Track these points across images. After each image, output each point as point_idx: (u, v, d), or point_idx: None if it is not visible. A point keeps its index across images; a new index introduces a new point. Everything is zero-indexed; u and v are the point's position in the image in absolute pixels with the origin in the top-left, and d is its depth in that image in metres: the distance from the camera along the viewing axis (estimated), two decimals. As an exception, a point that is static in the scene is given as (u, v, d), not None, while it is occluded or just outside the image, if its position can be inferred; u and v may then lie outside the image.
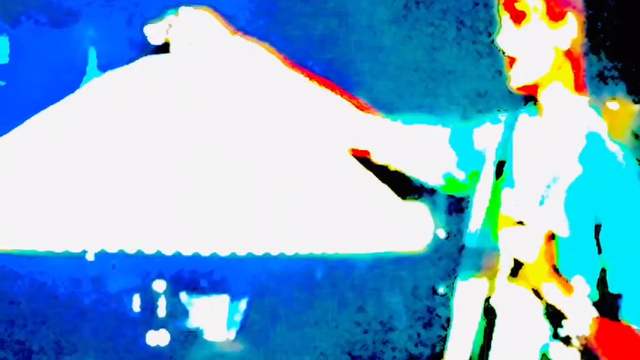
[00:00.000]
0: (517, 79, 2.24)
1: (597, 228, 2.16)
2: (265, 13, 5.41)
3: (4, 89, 5.92)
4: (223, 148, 2.94)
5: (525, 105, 2.32)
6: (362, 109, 2.45)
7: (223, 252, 2.75)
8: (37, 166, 3.06)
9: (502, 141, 2.32)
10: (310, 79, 2.45)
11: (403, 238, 2.74)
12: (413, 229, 2.78)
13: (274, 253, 2.75)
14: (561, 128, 2.25)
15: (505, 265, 2.16)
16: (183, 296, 5.83)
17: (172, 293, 5.77)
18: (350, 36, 5.61)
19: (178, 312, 5.77)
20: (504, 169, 2.27)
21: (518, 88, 2.26)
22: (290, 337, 5.71)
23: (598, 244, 2.16)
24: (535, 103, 2.29)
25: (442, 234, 5.46)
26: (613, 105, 4.95)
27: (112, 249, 2.84)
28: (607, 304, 2.14)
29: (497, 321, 2.18)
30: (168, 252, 2.78)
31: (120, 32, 5.34)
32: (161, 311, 5.69)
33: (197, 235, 2.75)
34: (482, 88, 5.22)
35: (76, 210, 2.88)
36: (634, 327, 2.14)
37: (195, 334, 5.82)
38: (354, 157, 2.51)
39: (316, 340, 5.71)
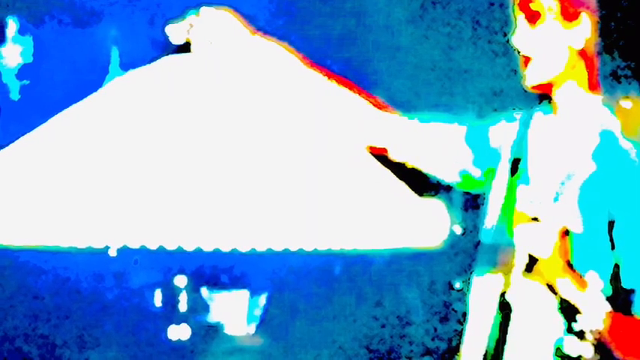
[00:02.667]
0: (532, 78, 2.26)
1: (611, 224, 2.17)
2: (284, 13, 5.42)
3: (28, 88, 5.94)
4: (243, 145, 2.97)
5: (540, 103, 2.33)
6: (380, 108, 2.47)
7: (243, 248, 2.77)
8: (60, 164, 3.09)
9: (517, 139, 2.33)
10: (329, 78, 2.47)
11: (420, 234, 2.76)
12: (430, 226, 2.80)
13: (293, 248, 2.77)
14: (575, 126, 2.26)
15: (520, 261, 2.17)
16: (204, 291, 5.84)
17: (193, 288, 5.78)
18: (368, 36, 5.61)
19: (199, 307, 5.78)
20: (519, 166, 2.28)
21: (533, 87, 2.27)
22: (309, 331, 5.72)
23: (611, 240, 2.17)
24: (549, 102, 2.30)
25: (458, 230, 5.47)
26: (626, 103, 4.95)
27: (134, 245, 2.86)
28: (620, 299, 2.15)
29: (512, 315, 2.19)
30: (189, 248, 2.80)
31: (142, 32, 5.36)
32: (182, 306, 5.71)
33: (218, 232, 2.78)
34: (498, 87, 5.22)
35: (99, 206, 2.90)
36: (646, 321, 2.16)
37: (215, 329, 5.83)
38: (372, 154, 2.54)
39: (334, 334, 5.72)
